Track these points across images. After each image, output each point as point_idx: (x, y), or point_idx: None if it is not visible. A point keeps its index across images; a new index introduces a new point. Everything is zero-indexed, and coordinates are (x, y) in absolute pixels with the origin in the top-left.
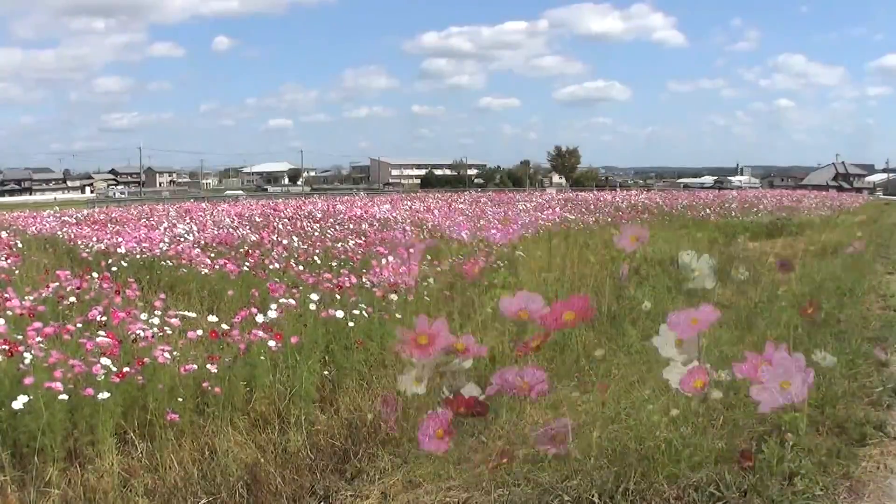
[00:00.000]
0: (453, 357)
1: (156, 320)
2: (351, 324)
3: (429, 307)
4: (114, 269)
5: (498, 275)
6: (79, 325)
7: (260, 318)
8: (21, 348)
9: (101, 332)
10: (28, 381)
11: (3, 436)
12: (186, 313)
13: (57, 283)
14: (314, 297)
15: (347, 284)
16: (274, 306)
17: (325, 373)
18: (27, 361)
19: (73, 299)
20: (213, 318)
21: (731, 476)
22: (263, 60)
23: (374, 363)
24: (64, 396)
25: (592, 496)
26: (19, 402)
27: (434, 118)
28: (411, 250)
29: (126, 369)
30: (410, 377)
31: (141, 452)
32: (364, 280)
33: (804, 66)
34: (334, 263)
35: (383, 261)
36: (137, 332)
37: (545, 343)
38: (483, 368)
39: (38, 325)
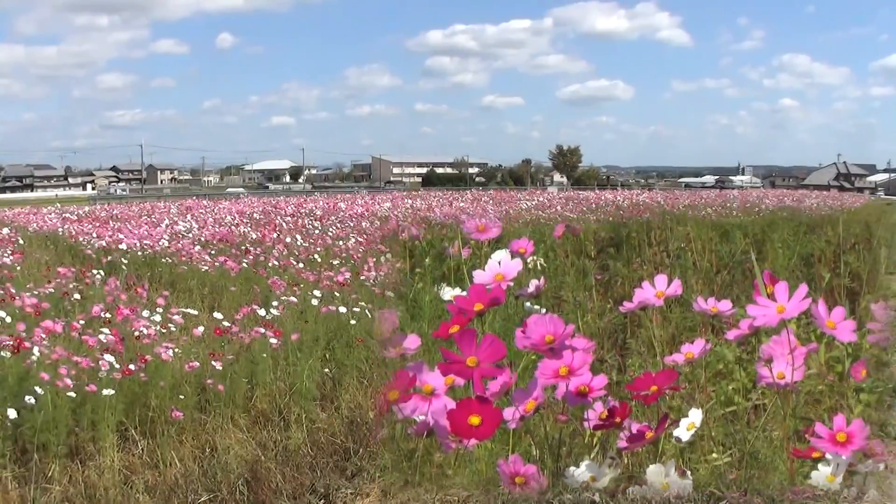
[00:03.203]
0: (866, 458)
1: (157, 317)
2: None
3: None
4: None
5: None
6: (81, 322)
7: (262, 313)
8: (27, 344)
9: (104, 329)
10: (45, 376)
11: (5, 432)
12: (188, 310)
13: (59, 280)
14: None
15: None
16: (275, 303)
17: (326, 370)
18: (34, 358)
19: (77, 296)
20: (218, 315)
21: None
22: (266, 58)
23: (374, 361)
24: (72, 394)
25: (593, 496)
26: (27, 399)
27: (437, 116)
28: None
29: (131, 366)
30: (824, 473)
31: (142, 449)
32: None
33: (808, 65)
34: (335, 262)
35: None
36: (141, 329)
37: None
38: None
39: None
